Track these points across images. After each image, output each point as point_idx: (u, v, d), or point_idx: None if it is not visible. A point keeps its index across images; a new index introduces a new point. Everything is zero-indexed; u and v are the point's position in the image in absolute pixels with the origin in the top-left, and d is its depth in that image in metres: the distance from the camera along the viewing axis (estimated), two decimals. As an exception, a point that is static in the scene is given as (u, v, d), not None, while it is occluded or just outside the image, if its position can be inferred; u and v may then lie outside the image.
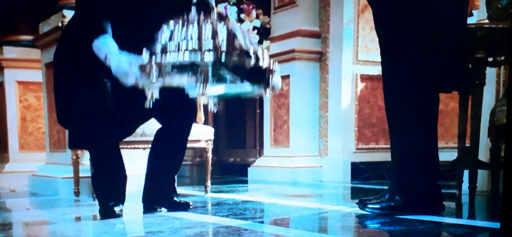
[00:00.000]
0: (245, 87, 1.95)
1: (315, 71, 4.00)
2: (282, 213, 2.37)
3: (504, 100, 2.48)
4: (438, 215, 2.03)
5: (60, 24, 3.10)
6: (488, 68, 2.40)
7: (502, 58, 2.44)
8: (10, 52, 4.28)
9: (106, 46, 1.98)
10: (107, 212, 2.11)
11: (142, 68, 1.87)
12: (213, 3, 2.03)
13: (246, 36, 1.94)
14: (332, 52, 3.89)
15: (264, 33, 4.14)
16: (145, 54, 1.90)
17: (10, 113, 4.25)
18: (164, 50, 1.85)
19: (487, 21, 2.37)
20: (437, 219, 1.97)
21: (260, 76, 1.91)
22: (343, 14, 3.80)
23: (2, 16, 4.28)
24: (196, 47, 1.84)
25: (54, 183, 3.22)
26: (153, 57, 1.87)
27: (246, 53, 1.87)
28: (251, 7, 4.13)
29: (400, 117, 2.02)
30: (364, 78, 3.85)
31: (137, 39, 2.02)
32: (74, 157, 3.03)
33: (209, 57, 1.83)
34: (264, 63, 1.91)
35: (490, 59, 2.42)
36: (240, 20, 4.08)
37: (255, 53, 1.88)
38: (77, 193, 3.02)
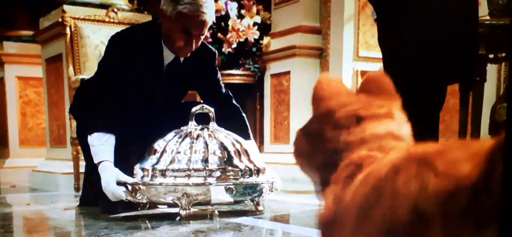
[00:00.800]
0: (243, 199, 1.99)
1: (316, 67, 3.99)
2: (282, 209, 2.37)
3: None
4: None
5: (60, 20, 3.10)
6: (489, 64, 2.39)
7: (503, 54, 2.43)
8: (10, 47, 4.27)
9: (101, 153, 2.01)
10: (108, 208, 2.12)
11: (131, 188, 1.93)
12: (213, 112, 2.05)
13: (239, 146, 1.97)
14: (333, 49, 3.88)
15: (264, 29, 4.13)
16: (137, 170, 1.95)
17: (10, 109, 4.25)
18: (154, 170, 1.91)
19: (488, 17, 2.36)
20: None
21: (252, 191, 1.95)
22: (344, 10, 3.79)
23: (2, 11, 4.27)
24: (185, 167, 1.89)
25: (55, 178, 3.22)
26: (143, 176, 1.93)
27: (239, 171, 1.91)
28: (251, 2, 4.11)
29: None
30: (365, 74, 3.84)
31: (136, 134, 2.11)
32: (75, 153, 3.03)
33: (196, 181, 1.87)
34: (258, 177, 1.95)
35: (491, 56, 2.41)
36: (241, 16, 4.06)
37: (248, 170, 1.92)
38: (77, 189, 3.02)
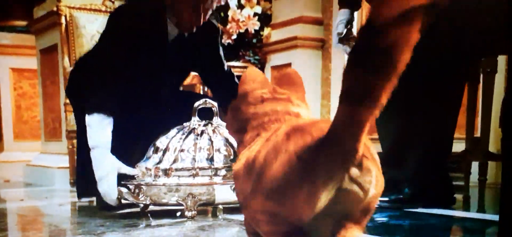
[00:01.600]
0: None
1: (318, 59, 3.91)
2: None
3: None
4: (448, 208, 1.97)
5: (55, 9, 3.01)
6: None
7: (514, 45, 2.35)
8: (4, 38, 4.17)
9: (101, 137, 1.86)
10: (106, 204, 2.04)
11: (132, 191, 1.85)
12: (217, 106, 1.96)
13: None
14: (335, 40, 3.79)
15: (265, 20, 4.04)
16: (139, 171, 1.87)
17: (4, 102, 4.16)
18: (157, 169, 1.82)
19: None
20: (447, 213, 1.90)
21: None
22: (347, 0, 3.70)
23: (-5, 1, 4.17)
24: (190, 166, 1.81)
25: (50, 172, 3.15)
26: (145, 175, 1.85)
27: None
28: (251, -7, 4.02)
29: (415, 105, 1.93)
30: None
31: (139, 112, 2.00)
32: (70, 146, 2.96)
33: (202, 181, 1.79)
34: None
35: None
36: (241, 6, 3.97)
37: None
38: (73, 184, 2.95)
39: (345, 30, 2.10)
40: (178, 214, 1.90)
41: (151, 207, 2.01)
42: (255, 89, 0.84)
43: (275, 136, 0.71)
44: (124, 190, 1.85)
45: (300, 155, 0.62)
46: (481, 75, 2.29)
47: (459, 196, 2.33)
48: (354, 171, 0.62)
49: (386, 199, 1.98)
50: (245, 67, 4.07)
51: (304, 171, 0.61)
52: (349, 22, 2.12)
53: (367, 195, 0.64)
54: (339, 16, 2.14)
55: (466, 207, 2.22)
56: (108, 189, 1.85)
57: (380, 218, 1.85)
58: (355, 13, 2.15)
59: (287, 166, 0.63)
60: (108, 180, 1.84)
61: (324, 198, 0.62)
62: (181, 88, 2.44)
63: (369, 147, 0.66)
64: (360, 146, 0.60)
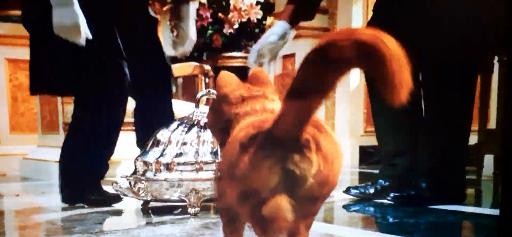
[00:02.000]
0: None
1: (322, 49, 3.82)
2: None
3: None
4: (460, 204, 1.89)
5: (50, -3, 2.90)
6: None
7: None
8: (-1, 28, 4.08)
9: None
10: (101, 201, 1.95)
11: (133, 187, 1.77)
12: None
13: None
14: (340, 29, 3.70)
15: (267, 8, 3.95)
16: (138, 164, 1.78)
17: (0, 93, 4.07)
18: (158, 163, 1.73)
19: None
20: (460, 208, 1.82)
21: None
22: (352, -12, 3.61)
23: (-10, -10, 4.06)
24: (193, 160, 1.72)
25: (47, 166, 3.08)
26: (146, 171, 1.75)
27: None
28: (254, -19, 3.92)
29: (437, 98, 1.84)
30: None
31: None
32: (67, 139, 2.87)
33: (206, 176, 1.70)
34: None
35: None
36: (243, -5, 3.88)
37: None
38: (71, 178, 2.86)
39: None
40: (178, 211, 1.81)
41: (152, 204, 1.93)
42: (234, 91, 0.91)
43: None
44: (123, 184, 1.77)
45: (242, 142, 0.74)
46: (498, 65, 2.19)
47: (471, 190, 2.25)
48: (295, 157, 0.71)
49: (404, 194, 1.90)
50: (247, 57, 3.98)
51: (243, 152, 0.73)
52: (282, 38, 1.87)
53: (305, 181, 0.72)
54: (276, 27, 1.89)
55: (478, 202, 2.14)
56: (72, 19, 1.69)
57: (396, 215, 1.77)
58: (292, 31, 1.88)
59: (235, 150, 0.75)
60: (74, 10, 1.68)
61: (266, 172, 0.71)
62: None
63: (322, 141, 0.73)
64: (302, 135, 0.70)
